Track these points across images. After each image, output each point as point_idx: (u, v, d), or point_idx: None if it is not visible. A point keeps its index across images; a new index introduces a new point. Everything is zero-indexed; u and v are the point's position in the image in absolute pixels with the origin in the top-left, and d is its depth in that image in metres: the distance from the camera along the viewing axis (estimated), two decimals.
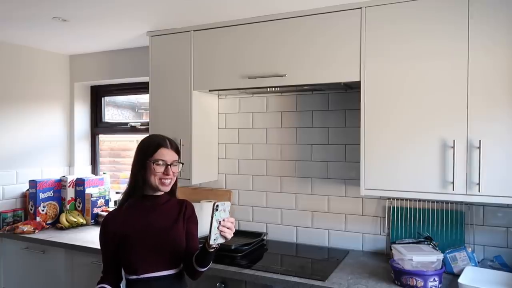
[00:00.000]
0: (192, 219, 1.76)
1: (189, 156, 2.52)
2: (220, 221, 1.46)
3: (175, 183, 1.77)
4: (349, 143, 2.51)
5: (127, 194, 1.71)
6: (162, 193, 1.73)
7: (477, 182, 1.87)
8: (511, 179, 1.83)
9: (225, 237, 1.48)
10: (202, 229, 1.78)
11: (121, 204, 1.72)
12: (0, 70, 3.02)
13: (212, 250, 1.52)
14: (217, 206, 1.46)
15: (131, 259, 1.63)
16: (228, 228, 1.48)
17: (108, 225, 1.68)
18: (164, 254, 1.64)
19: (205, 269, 1.63)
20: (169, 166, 1.66)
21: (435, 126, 1.96)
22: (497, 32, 1.84)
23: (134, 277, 1.63)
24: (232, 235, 1.50)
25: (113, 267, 1.69)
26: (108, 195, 3.33)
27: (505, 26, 1.83)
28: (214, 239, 1.46)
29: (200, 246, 1.62)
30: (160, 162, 1.65)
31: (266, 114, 2.75)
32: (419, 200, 2.32)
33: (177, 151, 1.72)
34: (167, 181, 1.68)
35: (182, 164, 1.76)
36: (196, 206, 1.96)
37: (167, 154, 1.67)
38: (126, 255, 1.63)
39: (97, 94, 3.60)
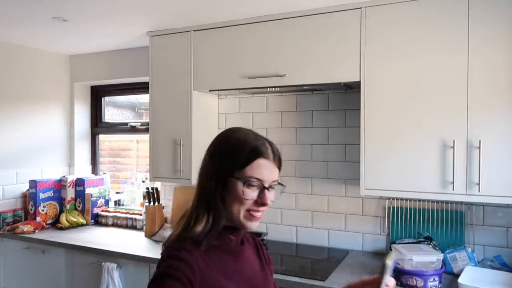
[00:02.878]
0: (270, 261, 1.28)
1: (189, 156, 2.52)
2: (386, 283, 1.09)
3: None
4: (349, 143, 2.51)
5: (211, 226, 1.01)
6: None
7: (477, 182, 1.87)
8: (511, 179, 1.83)
9: None
10: None
11: (198, 240, 1.00)
12: (0, 70, 3.02)
13: None
14: (388, 264, 1.09)
15: None
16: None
17: (192, 269, 0.96)
18: None
19: None
20: (266, 190, 1.03)
21: (435, 126, 1.96)
22: (497, 32, 1.84)
23: None
24: None
25: None
26: (108, 195, 3.33)
27: (505, 26, 1.83)
28: None
29: None
30: (255, 182, 1.02)
31: (266, 114, 2.75)
32: (419, 200, 2.32)
33: (279, 165, 1.07)
34: (259, 214, 1.04)
35: (283, 186, 1.09)
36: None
37: (267, 170, 1.03)
38: None
39: (97, 94, 3.60)
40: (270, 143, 1.06)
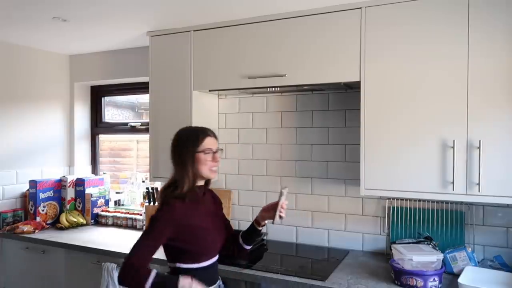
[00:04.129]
0: (222, 206, 1.91)
1: None
2: (281, 205, 1.70)
3: None
4: (349, 143, 2.51)
5: (188, 187, 1.66)
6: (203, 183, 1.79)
7: (477, 182, 1.87)
8: (511, 179, 1.83)
9: (281, 217, 1.70)
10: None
11: (182, 197, 1.65)
12: (0, 70, 3.02)
13: (261, 228, 1.77)
14: (282, 191, 1.72)
15: (197, 249, 1.66)
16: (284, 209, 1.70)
17: (176, 217, 1.61)
18: (219, 242, 1.76)
19: (250, 246, 1.81)
20: (215, 154, 1.71)
21: (435, 126, 1.96)
22: (497, 32, 1.84)
23: (195, 265, 1.67)
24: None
25: (153, 256, 1.62)
26: (108, 195, 3.33)
27: (505, 27, 1.83)
28: (277, 221, 1.72)
29: (249, 226, 1.82)
30: (208, 151, 1.68)
31: (266, 114, 2.75)
32: (419, 200, 2.32)
33: (217, 138, 1.77)
34: (215, 168, 1.73)
35: (221, 150, 1.78)
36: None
37: (213, 143, 1.71)
38: (192, 245, 1.65)
39: (97, 94, 3.60)
40: (208, 128, 1.75)
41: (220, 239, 1.77)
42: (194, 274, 1.61)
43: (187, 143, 1.68)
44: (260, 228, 1.76)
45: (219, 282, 1.81)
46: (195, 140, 1.67)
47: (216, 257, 1.77)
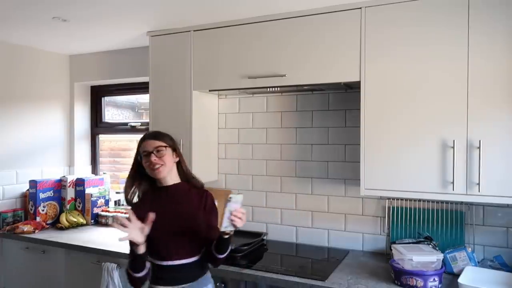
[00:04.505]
0: (213, 211, 1.85)
1: (189, 156, 2.52)
2: (231, 212, 1.61)
3: (183, 170, 1.85)
4: (349, 143, 2.51)
5: (133, 188, 1.82)
6: (175, 182, 1.82)
7: (477, 182, 1.87)
8: (511, 179, 1.83)
9: (235, 226, 1.61)
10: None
11: (140, 198, 1.82)
12: (0, 70, 3.02)
13: (227, 236, 1.65)
14: (230, 198, 1.63)
15: (158, 247, 1.71)
16: (239, 218, 1.60)
17: (137, 213, 1.68)
18: (185, 243, 1.74)
19: (223, 256, 1.74)
20: (152, 154, 1.73)
21: (435, 126, 1.96)
22: (497, 33, 1.84)
23: (164, 263, 1.73)
24: (242, 224, 1.63)
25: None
26: (108, 195, 3.33)
27: (505, 27, 1.83)
28: (225, 227, 1.61)
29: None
30: (144, 153, 1.75)
31: (266, 114, 2.75)
32: (419, 200, 2.32)
33: (157, 138, 1.79)
34: (156, 167, 1.74)
35: (165, 147, 1.77)
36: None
37: (147, 145, 1.76)
38: (154, 243, 1.70)
39: (97, 94, 3.60)
40: (151, 132, 1.87)
41: (185, 241, 1.74)
42: (162, 271, 1.73)
43: (136, 151, 1.82)
44: (226, 237, 1.65)
45: (192, 284, 1.75)
46: (138, 146, 1.79)
47: (190, 259, 1.74)
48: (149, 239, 1.67)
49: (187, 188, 1.84)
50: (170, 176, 1.80)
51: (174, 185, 1.82)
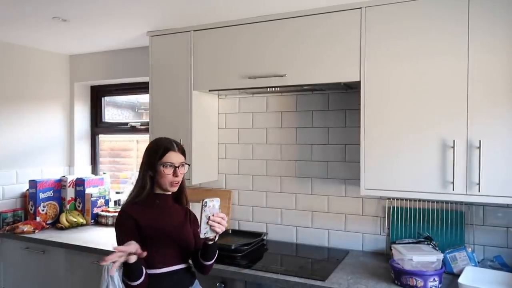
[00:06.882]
0: (196, 223, 1.86)
1: (189, 156, 2.51)
2: (209, 217, 1.58)
3: (182, 191, 1.85)
4: (349, 143, 2.51)
5: (137, 193, 1.76)
6: (170, 193, 1.82)
7: (477, 182, 1.87)
8: (511, 179, 1.83)
9: (215, 231, 1.61)
10: None
11: (134, 202, 1.75)
12: (0, 70, 3.02)
13: (211, 243, 1.67)
14: (205, 202, 1.59)
15: (152, 253, 1.66)
16: (218, 222, 1.59)
17: (131, 216, 1.70)
18: (178, 250, 1.75)
19: (210, 262, 1.77)
20: (177, 168, 1.74)
21: (435, 126, 1.96)
22: (497, 31, 1.84)
23: (153, 271, 1.69)
24: (223, 229, 1.63)
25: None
26: (108, 195, 3.33)
27: (505, 24, 1.83)
28: (204, 233, 1.59)
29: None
30: (169, 165, 1.73)
31: (266, 114, 2.75)
32: (419, 200, 2.32)
33: (183, 153, 1.81)
34: (176, 182, 1.76)
35: (189, 165, 1.84)
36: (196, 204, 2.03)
37: (174, 157, 1.75)
38: (147, 249, 1.63)
39: (97, 94, 3.60)
40: (176, 142, 1.80)
41: (178, 248, 1.74)
42: (152, 278, 1.67)
43: (153, 154, 1.75)
44: (210, 243, 1.67)
45: None
46: (160, 153, 1.74)
47: (181, 265, 1.75)
48: (146, 246, 1.63)
49: (172, 202, 1.84)
50: None
51: (169, 195, 1.82)
